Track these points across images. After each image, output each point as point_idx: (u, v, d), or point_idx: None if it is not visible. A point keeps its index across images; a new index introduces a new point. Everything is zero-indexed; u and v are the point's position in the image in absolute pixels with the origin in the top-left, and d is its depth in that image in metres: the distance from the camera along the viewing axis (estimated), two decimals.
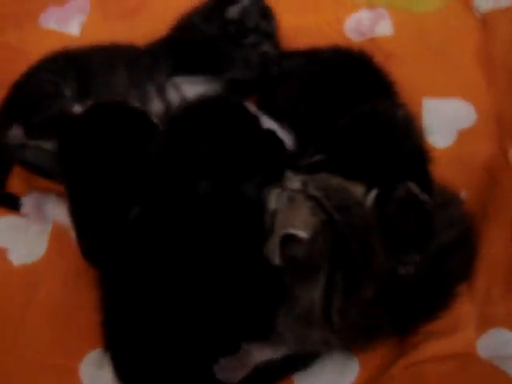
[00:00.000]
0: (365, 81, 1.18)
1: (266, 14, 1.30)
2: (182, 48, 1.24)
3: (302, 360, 1.04)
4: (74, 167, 1.06)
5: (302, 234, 0.86)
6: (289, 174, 0.96)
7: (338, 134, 1.06)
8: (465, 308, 1.08)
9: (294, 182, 0.93)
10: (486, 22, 1.44)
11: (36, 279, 1.12)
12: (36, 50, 1.30)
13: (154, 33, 1.35)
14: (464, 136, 1.31)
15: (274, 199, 0.93)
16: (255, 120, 1.05)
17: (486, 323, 1.09)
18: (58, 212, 1.15)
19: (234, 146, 0.99)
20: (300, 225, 0.87)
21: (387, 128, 1.06)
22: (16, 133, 1.12)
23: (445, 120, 1.32)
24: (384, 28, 1.44)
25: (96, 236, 1.03)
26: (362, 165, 1.01)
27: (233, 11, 1.25)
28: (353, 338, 1.01)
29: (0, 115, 1.19)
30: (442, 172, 1.18)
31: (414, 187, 1.01)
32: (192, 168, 0.98)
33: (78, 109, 1.09)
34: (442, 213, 1.09)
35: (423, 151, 1.10)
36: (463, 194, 1.21)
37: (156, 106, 1.21)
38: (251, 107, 1.10)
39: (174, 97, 1.23)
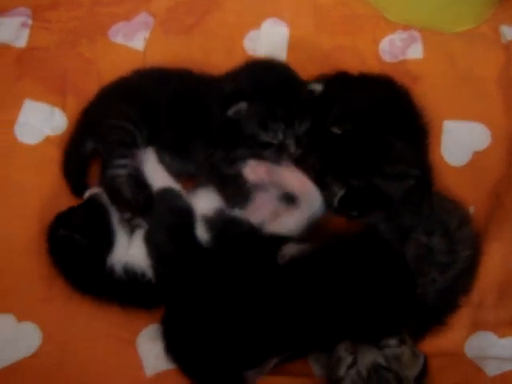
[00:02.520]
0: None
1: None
2: None
3: None
4: None
5: None
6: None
7: None
8: (460, 312, 1.26)
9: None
10: (510, 49, 1.55)
11: None
12: (105, 62, 1.51)
13: (208, 49, 1.55)
14: (478, 157, 1.46)
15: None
16: None
17: (475, 326, 1.28)
18: None
19: None
20: None
21: None
22: None
23: (462, 141, 1.48)
24: (415, 51, 1.57)
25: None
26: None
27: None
28: None
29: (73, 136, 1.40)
30: (455, 187, 1.38)
31: None
32: None
33: None
34: (460, 231, 1.26)
35: None
36: (471, 209, 1.39)
37: None
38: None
39: None
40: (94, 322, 1.29)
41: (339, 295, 1.14)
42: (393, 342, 1.13)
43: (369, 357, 1.12)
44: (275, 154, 1.28)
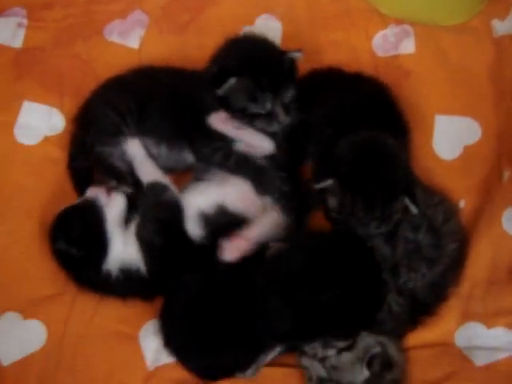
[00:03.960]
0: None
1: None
2: None
3: None
4: None
5: None
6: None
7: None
8: (450, 303, 1.31)
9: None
10: (501, 43, 1.57)
11: None
12: (101, 61, 1.53)
13: (203, 46, 1.51)
14: (468, 151, 1.49)
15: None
16: None
17: (465, 317, 1.32)
18: None
19: None
20: None
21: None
22: None
23: (453, 135, 1.50)
24: (407, 45, 1.58)
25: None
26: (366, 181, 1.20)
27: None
28: None
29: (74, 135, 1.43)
30: (447, 181, 1.42)
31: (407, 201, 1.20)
32: None
33: None
34: (446, 225, 1.29)
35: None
36: (462, 203, 1.43)
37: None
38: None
39: None
40: (97, 318, 1.34)
41: (311, 289, 1.14)
42: (331, 352, 1.18)
43: (314, 371, 1.19)
44: (266, 122, 1.32)
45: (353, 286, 1.13)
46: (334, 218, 1.25)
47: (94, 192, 1.34)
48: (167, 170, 1.39)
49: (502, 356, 1.27)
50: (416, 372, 1.25)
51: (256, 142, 1.35)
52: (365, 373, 1.15)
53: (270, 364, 1.29)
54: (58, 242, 1.28)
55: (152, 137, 1.38)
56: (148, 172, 1.36)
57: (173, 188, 1.35)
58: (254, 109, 1.30)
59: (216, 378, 1.28)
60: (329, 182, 1.20)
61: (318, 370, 1.18)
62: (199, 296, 1.27)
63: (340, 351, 1.17)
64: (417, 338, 1.30)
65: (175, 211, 1.32)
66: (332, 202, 1.24)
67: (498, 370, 1.26)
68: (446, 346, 1.30)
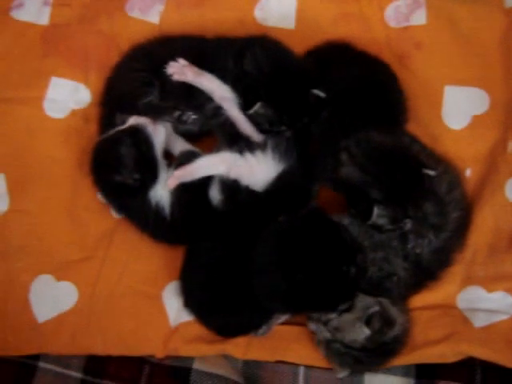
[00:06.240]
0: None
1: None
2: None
3: None
4: None
5: None
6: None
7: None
8: (453, 268, 1.38)
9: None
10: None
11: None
12: (124, 37, 1.57)
13: (221, 18, 1.60)
14: (476, 121, 1.53)
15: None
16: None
17: (467, 281, 1.41)
18: None
19: None
20: None
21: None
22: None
23: (461, 106, 1.54)
24: (419, 17, 1.60)
25: None
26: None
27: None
28: None
29: (102, 106, 1.50)
30: (454, 150, 1.48)
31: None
32: None
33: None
34: (450, 195, 1.36)
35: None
36: (468, 172, 1.49)
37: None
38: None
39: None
40: (124, 279, 1.45)
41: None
42: (332, 315, 1.27)
43: (320, 334, 1.29)
44: (275, 136, 1.39)
45: (314, 269, 1.20)
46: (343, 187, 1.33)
47: (138, 120, 1.36)
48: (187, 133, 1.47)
49: (500, 318, 1.36)
50: (418, 332, 1.34)
51: (216, 89, 1.39)
52: (365, 330, 1.24)
53: (286, 323, 1.41)
54: (113, 170, 1.31)
55: (172, 101, 1.44)
56: (179, 145, 1.44)
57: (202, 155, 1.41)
58: (268, 129, 1.38)
59: (232, 335, 1.40)
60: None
61: (324, 333, 1.28)
62: (216, 260, 1.37)
63: (340, 313, 1.26)
64: (420, 300, 1.39)
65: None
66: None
67: (496, 332, 1.35)
68: (447, 308, 1.39)
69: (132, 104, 1.40)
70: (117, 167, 1.31)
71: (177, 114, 1.42)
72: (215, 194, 1.38)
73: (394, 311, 1.28)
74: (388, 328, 1.25)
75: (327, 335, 1.28)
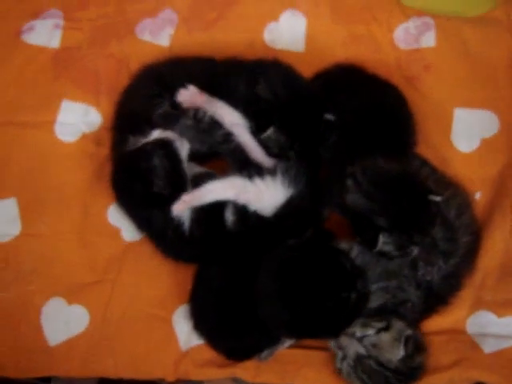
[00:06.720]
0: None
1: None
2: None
3: None
4: None
5: None
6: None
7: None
8: (463, 292, 1.38)
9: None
10: None
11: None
12: (134, 60, 1.59)
13: (230, 41, 1.62)
14: (486, 144, 1.54)
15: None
16: None
17: (476, 305, 1.41)
18: None
19: None
20: None
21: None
22: None
23: (471, 128, 1.55)
24: (428, 39, 1.61)
25: None
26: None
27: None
28: None
29: (113, 130, 1.50)
30: (464, 173, 1.48)
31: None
32: None
33: None
34: (459, 219, 1.36)
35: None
36: (478, 194, 1.49)
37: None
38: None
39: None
40: (135, 303, 1.46)
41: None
42: (370, 331, 1.27)
43: (352, 349, 1.28)
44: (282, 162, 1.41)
45: (314, 298, 1.20)
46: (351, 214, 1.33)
47: (163, 133, 1.36)
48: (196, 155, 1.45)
49: (510, 344, 1.36)
50: (428, 356, 1.33)
51: (226, 116, 1.40)
52: (401, 352, 1.24)
53: (295, 346, 1.41)
54: (147, 181, 1.30)
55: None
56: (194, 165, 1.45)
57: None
58: (277, 153, 1.39)
59: (241, 359, 1.41)
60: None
61: (357, 348, 1.27)
62: (225, 283, 1.37)
63: (379, 331, 1.27)
64: (429, 325, 1.39)
65: None
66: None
67: (506, 357, 1.35)
68: (457, 333, 1.39)
69: (146, 119, 1.40)
70: (151, 178, 1.31)
71: (192, 112, 1.41)
72: (229, 215, 1.39)
73: (421, 336, 1.30)
74: (418, 353, 1.26)
75: (361, 350, 1.27)
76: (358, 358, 1.27)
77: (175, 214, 1.34)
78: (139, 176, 1.32)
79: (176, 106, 1.42)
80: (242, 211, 1.37)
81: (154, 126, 1.38)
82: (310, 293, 1.19)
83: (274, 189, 1.36)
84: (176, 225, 1.36)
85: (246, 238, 1.39)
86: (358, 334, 1.29)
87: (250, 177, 1.37)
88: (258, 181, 1.36)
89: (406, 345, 1.25)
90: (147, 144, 1.34)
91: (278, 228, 1.37)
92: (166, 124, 1.39)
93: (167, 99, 1.42)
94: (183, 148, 1.37)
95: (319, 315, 1.20)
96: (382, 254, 1.28)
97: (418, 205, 1.25)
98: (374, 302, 1.31)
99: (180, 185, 1.35)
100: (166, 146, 1.34)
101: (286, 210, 1.36)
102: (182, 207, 1.34)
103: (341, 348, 1.31)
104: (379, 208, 1.26)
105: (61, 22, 1.64)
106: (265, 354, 1.38)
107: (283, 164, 1.39)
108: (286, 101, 1.36)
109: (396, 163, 1.33)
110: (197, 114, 1.40)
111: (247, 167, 1.40)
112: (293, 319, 1.21)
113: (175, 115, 1.41)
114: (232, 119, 1.40)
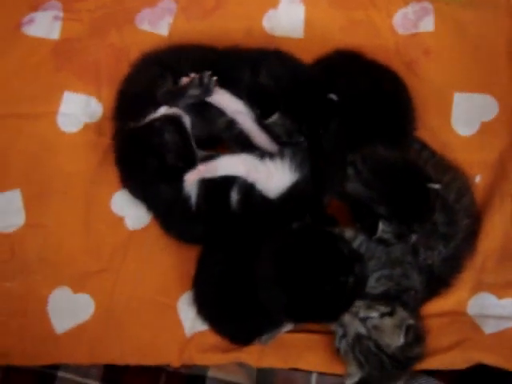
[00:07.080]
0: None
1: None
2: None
3: None
4: None
5: None
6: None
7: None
8: (463, 275, 1.40)
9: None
10: None
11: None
12: (134, 49, 1.58)
13: (229, 29, 1.62)
14: (485, 127, 1.55)
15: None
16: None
17: (477, 287, 1.42)
18: None
19: None
20: None
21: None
22: None
23: (471, 112, 1.56)
24: (427, 23, 1.62)
25: None
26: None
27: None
28: None
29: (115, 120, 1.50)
30: (464, 157, 1.49)
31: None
32: None
33: None
34: (459, 203, 1.38)
35: None
36: (478, 178, 1.50)
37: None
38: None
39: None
40: (139, 290, 1.48)
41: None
42: (374, 314, 1.28)
43: (353, 328, 1.29)
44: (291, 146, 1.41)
45: (312, 282, 1.21)
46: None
47: (170, 109, 1.37)
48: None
49: (510, 325, 1.37)
50: (430, 339, 1.34)
51: (229, 104, 1.41)
52: (401, 340, 1.26)
53: (298, 330, 1.43)
54: (160, 155, 1.33)
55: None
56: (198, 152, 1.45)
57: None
58: (286, 139, 1.40)
59: (245, 343, 1.42)
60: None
61: (358, 328, 1.29)
62: (227, 268, 1.38)
63: (382, 315, 1.28)
64: (431, 307, 1.40)
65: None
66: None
67: (507, 338, 1.37)
68: (458, 315, 1.41)
69: (150, 99, 1.39)
70: (164, 152, 1.33)
71: (196, 79, 1.39)
72: (234, 194, 1.40)
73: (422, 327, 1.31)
74: (417, 344, 1.28)
75: (362, 330, 1.29)
76: (358, 338, 1.29)
77: (188, 184, 1.36)
78: (152, 151, 1.34)
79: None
80: (247, 191, 1.39)
81: (157, 106, 1.39)
82: (307, 277, 1.20)
83: (283, 172, 1.38)
84: (184, 199, 1.38)
85: (248, 220, 1.40)
86: (362, 314, 1.30)
87: (261, 157, 1.39)
88: (268, 161, 1.38)
89: (406, 333, 1.26)
90: (155, 120, 1.36)
91: (280, 211, 1.38)
92: (169, 102, 1.39)
93: (169, 79, 1.43)
94: (188, 124, 1.39)
95: (317, 299, 1.21)
96: (381, 241, 1.30)
97: (417, 194, 1.27)
98: (377, 288, 1.32)
99: (191, 158, 1.37)
100: (174, 121, 1.36)
101: (291, 194, 1.38)
102: (196, 177, 1.36)
103: (342, 326, 1.32)
104: (379, 196, 1.28)
105: (60, 14, 1.65)
106: (265, 337, 1.39)
107: (291, 149, 1.40)
108: (289, 85, 1.37)
109: (396, 151, 1.34)
110: (202, 80, 1.38)
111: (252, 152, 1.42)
112: (291, 303, 1.22)
113: (179, 91, 1.40)
114: (234, 107, 1.40)
